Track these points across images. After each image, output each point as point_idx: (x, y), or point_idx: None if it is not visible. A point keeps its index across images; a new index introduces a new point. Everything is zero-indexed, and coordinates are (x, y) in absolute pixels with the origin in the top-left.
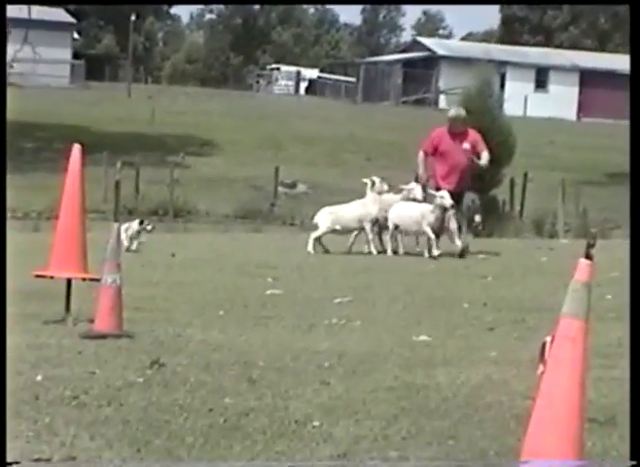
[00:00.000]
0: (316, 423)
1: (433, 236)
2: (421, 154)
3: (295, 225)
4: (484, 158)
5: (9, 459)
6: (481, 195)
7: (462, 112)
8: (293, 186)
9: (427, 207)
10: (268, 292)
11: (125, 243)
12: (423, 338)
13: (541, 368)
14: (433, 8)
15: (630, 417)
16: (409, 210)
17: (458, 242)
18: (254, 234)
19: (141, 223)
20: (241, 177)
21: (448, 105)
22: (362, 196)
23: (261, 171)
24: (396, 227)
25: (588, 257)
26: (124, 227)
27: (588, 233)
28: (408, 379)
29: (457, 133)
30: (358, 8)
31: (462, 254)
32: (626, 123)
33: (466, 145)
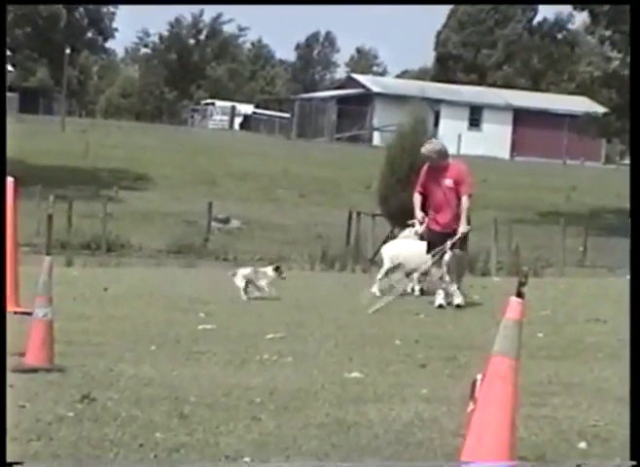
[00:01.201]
0: (247, 459)
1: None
2: (415, 195)
3: (228, 260)
4: (462, 217)
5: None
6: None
7: (433, 147)
8: (226, 221)
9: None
10: (201, 327)
11: (240, 286)
12: (355, 374)
13: (471, 405)
14: (367, 45)
15: (630, 417)
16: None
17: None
18: (187, 269)
19: (277, 269)
20: (175, 212)
21: (382, 142)
22: (296, 231)
23: (194, 206)
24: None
25: (520, 295)
26: (244, 271)
27: (520, 271)
28: (340, 416)
29: (437, 169)
30: (293, 45)
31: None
32: (559, 162)
33: (448, 181)
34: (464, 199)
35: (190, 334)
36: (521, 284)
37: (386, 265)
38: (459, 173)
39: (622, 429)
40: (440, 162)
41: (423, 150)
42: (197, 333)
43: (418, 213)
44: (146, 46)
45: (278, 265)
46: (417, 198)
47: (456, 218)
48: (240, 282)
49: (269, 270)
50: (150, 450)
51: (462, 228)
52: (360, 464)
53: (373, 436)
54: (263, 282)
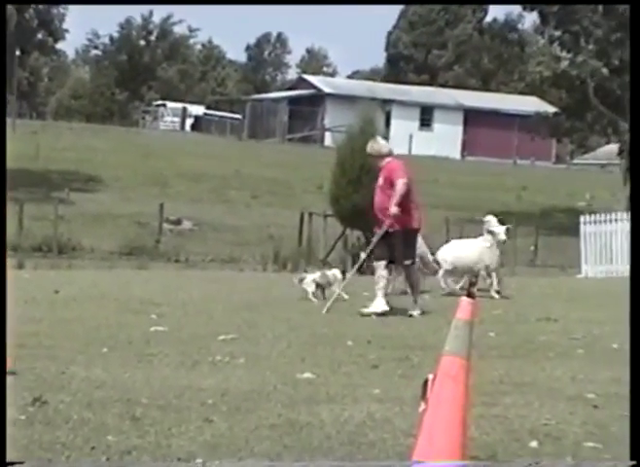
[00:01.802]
0: (199, 461)
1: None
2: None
3: (180, 261)
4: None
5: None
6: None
7: (370, 146)
8: (178, 222)
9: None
10: (153, 329)
11: (310, 290)
12: (307, 375)
13: (423, 405)
14: (316, 46)
15: (630, 417)
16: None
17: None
18: (139, 271)
19: (343, 272)
20: (126, 213)
21: (334, 143)
22: (248, 232)
23: (146, 208)
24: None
25: (470, 295)
26: (314, 276)
27: (473, 271)
28: (292, 417)
29: (379, 169)
30: (243, 45)
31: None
32: (510, 161)
33: (380, 180)
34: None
35: (141, 336)
36: (472, 284)
37: (446, 267)
38: (388, 171)
39: (573, 427)
40: (378, 163)
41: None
42: (149, 335)
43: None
44: (96, 47)
45: (343, 269)
46: None
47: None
48: (310, 287)
49: (338, 273)
50: (102, 453)
51: (392, 209)
52: (312, 464)
53: (326, 436)
54: (335, 286)
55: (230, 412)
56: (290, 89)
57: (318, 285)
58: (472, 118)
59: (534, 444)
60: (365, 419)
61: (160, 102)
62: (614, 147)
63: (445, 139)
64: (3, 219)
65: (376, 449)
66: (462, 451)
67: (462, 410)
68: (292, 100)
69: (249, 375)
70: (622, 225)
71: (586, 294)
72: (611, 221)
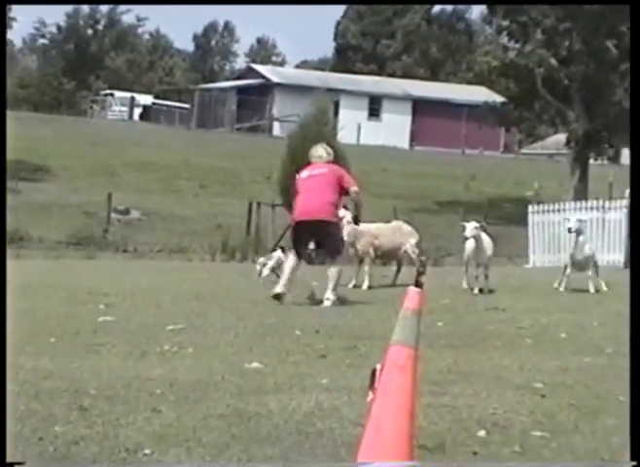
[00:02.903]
0: (147, 451)
1: None
2: None
3: (128, 251)
4: None
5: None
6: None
7: (327, 151)
8: (126, 212)
9: None
10: (100, 319)
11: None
12: (255, 365)
13: (370, 395)
14: (266, 35)
15: (630, 417)
16: None
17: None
18: (87, 261)
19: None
20: (74, 203)
21: (283, 132)
22: (197, 222)
23: (94, 197)
24: None
25: (418, 284)
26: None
27: (419, 260)
28: (240, 407)
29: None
30: (190, 34)
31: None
32: (458, 151)
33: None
34: None
35: (90, 326)
36: (420, 273)
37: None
38: None
39: (520, 417)
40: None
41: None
42: (97, 325)
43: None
44: (43, 36)
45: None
46: None
47: None
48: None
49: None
50: (49, 444)
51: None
52: (259, 455)
53: (274, 426)
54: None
55: (178, 402)
56: (238, 78)
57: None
58: (420, 108)
59: (482, 433)
60: (313, 409)
61: (107, 92)
62: (562, 137)
63: (394, 129)
64: (3, 218)
65: (324, 438)
66: (410, 441)
67: (410, 399)
68: (240, 90)
69: (197, 365)
70: (569, 214)
71: (534, 283)
72: (559, 211)
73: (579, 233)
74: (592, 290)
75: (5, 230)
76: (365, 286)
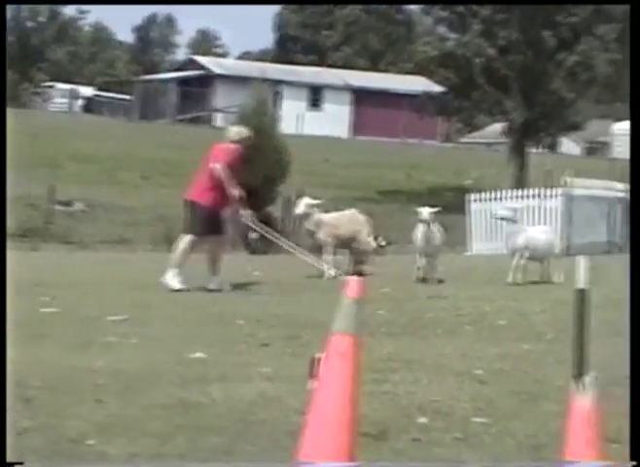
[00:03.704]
0: (91, 442)
1: None
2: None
3: (72, 243)
4: None
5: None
6: (256, 212)
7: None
8: (69, 204)
9: None
10: (45, 310)
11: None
12: (198, 355)
13: (313, 383)
14: (209, 27)
15: (630, 417)
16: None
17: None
18: (31, 253)
19: (375, 238)
20: (17, 195)
21: (224, 123)
22: (140, 213)
23: (37, 190)
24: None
25: (360, 273)
26: None
27: (359, 250)
28: (184, 396)
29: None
30: (131, 26)
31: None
32: (399, 141)
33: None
34: None
35: (33, 317)
36: (361, 263)
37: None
38: None
39: (461, 403)
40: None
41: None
42: (41, 316)
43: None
44: None
45: (376, 235)
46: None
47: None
48: None
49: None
50: None
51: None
52: (203, 444)
53: (217, 415)
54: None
55: (121, 392)
56: (180, 69)
57: None
58: (360, 98)
59: (423, 420)
60: (256, 398)
61: (49, 84)
62: (500, 126)
63: (335, 119)
64: (3, 221)
65: (268, 426)
66: (352, 428)
67: (352, 387)
68: (181, 81)
69: (141, 355)
70: (507, 203)
71: (474, 271)
72: (497, 199)
73: (508, 220)
74: (555, 279)
75: (5, 228)
76: (327, 275)
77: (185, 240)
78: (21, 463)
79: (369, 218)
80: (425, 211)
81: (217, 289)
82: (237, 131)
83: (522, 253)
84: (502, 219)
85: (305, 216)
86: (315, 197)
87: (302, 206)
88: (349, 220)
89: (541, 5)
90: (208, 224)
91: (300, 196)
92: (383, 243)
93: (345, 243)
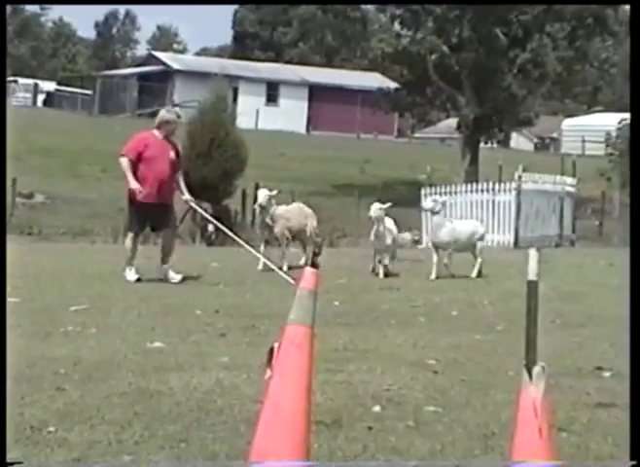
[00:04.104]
0: (51, 429)
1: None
2: (125, 160)
3: (32, 234)
4: (183, 187)
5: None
6: (214, 205)
7: (177, 115)
8: (30, 196)
9: None
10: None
11: None
12: (157, 344)
13: (268, 372)
14: (167, 23)
15: (630, 417)
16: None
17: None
18: None
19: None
20: None
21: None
22: (100, 205)
23: None
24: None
25: (314, 265)
26: None
27: (315, 241)
28: (142, 385)
29: (165, 139)
30: (92, 22)
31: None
32: (354, 136)
33: (172, 153)
34: (180, 173)
35: None
36: (315, 254)
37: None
38: (179, 149)
39: (414, 392)
40: (173, 132)
41: (169, 116)
42: None
43: (134, 183)
44: None
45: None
46: (128, 165)
47: (172, 191)
48: None
49: (408, 236)
50: None
51: (188, 196)
52: (161, 431)
53: (175, 404)
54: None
55: (81, 380)
56: (140, 65)
57: None
58: (316, 93)
59: (377, 408)
60: (213, 387)
61: (11, 78)
62: (453, 121)
63: (291, 114)
64: (3, 219)
65: (224, 414)
66: (307, 417)
67: (307, 376)
68: (142, 76)
69: (100, 344)
70: (460, 196)
71: (427, 263)
72: (450, 193)
73: (433, 212)
74: (475, 273)
75: (5, 227)
76: (285, 267)
77: (127, 237)
78: (21, 462)
79: (313, 211)
80: (373, 207)
81: (164, 278)
82: (159, 115)
83: (445, 247)
84: (427, 211)
85: (265, 208)
86: (271, 189)
87: (261, 197)
88: (298, 213)
89: (494, 5)
90: (146, 219)
91: (257, 187)
92: (417, 238)
93: (296, 235)
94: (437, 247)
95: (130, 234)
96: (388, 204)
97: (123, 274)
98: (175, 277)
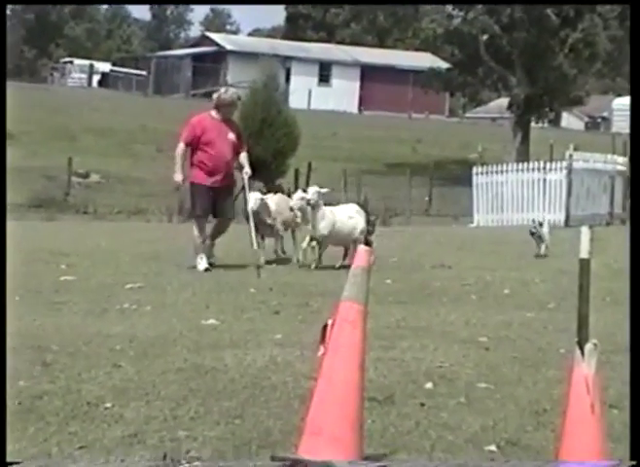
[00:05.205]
0: (108, 405)
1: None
2: (182, 146)
3: (88, 213)
4: (246, 165)
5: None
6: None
7: (236, 96)
8: (86, 176)
9: None
10: (62, 278)
11: None
12: (211, 321)
13: (322, 349)
14: (221, 5)
15: (630, 417)
16: None
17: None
18: (48, 223)
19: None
20: (35, 167)
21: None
22: (154, 185)
23: (54, 162)
24: None
25: (368, 243)
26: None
27: (368, 220)
28: (197, 362)
29: (224, 121)
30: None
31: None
32: (405, 115)
33: (232, 135)
34: (245, 155)
35: (51, 285)
36: (369, 233)
37: None
38: (239, 129)
39: (466, 369)
40: (232, 114)
41: (229, 97)
42: (59, 284)
43: (179, 175)
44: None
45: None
46: (181, 153)
47: (231, 175)
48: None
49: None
50: (14, 398)
51: (248, 169)
52: (216, 407)
53: (229, 380)
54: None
55: (137, 357)
56: (193, 46)
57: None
58: (368, 73)
59: (429, 385)
60: (267, 363)
61: (67, 59)
62: (504, 101)
63: (343, 94)
64: (3, 215)
65: (278, 391)
66: (360, 393)
67: (360, 353)
68: (195, 57)
69: (156, 322)
70: (511, 175)
71: (478, 242)
72: (501, 172)
73: (314, 206)
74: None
75: (5, 223)
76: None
77: (193, 227)
78: (19, 462)
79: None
80: (311, 191)
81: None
82: (218, 96)
83: (324, 239)
84: (311, 206)
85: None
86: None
87: (296, 201)
88: (285, 202)
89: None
90: (207, 203)
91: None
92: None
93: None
94: (317, 240)
95: (196, 223)
96: (326, 189)
97: (194, 263)
98: (203, 264)
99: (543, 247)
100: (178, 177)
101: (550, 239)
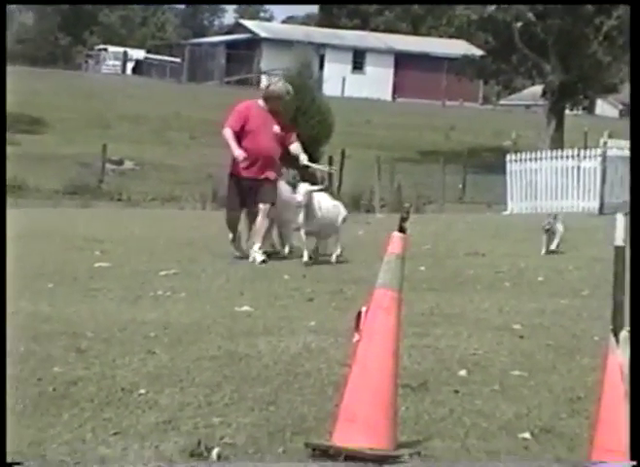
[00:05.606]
0: (142, 391)
1: None
2: (228, 131)
3: (122, 200)
4: (301, 153)
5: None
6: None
7: (286, 87)
8: (120, 163)
9: None
10: (96, 265)
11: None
12: (245, 308)
13: (356, 336)
14: None
15: (630, 417)
16: None
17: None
18: (82, 210)
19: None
20: (70, 154)
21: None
22: (188, 172)
23: (89, 149)
24: None
25: (402, 230)
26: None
27: (402, 207)
28: (231, 348)
29: (272, 112)
30: None
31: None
32: (439, 103)
33: (276, 127)
34: (296, 146)
35: (86, 271)
36: (403, 220)
37: None
38: (284, 122)
39: (500, 357)
40: (279, 107)
41: (280, 91)
42: (93, 270)
43: (238, 150)
44: None
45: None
46: (232, 134)
47: (276, 167)
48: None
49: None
50: (48, 384)
51: (304, 157)
52: (250, 394)
53: (263, 367)
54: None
55: (171, 344)
56: (227, 33)
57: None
58: (402, 61)
59: (463, 372)
60: (301, 350)
61: (101, 47)
62: (538, 88)
63: (377, 82)
64: (3, 211)
65: (312, 378)
66: (394, 380)
67: (394, 340)
68: (229, 44)
69: (190, 308)
70: (545, 163)
71: (512, 229)
72: (535, 159)
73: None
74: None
75: (5, 219)
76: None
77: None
78: (20, 463)
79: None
80: (302, 188)
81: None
82: (269, 88)
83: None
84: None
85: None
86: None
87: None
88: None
89: None
90: (246, 194)
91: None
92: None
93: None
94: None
95: (226, 215)
96: (319, 187)
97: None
98: (258, 258)
99: (555, 242)
100: (238, 151)
101: (562, 235)
